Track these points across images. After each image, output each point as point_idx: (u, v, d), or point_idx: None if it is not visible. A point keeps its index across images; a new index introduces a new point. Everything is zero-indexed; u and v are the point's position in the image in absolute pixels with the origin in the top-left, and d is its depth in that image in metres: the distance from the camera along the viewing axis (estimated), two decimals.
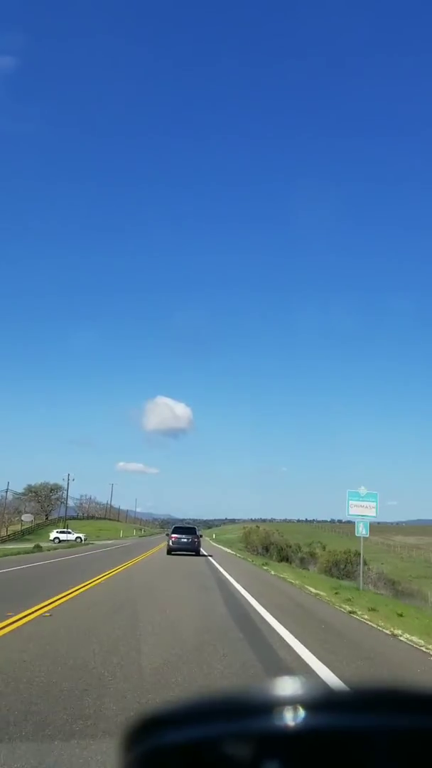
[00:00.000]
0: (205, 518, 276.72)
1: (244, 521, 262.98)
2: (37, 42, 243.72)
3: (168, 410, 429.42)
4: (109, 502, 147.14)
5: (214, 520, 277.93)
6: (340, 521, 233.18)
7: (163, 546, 36.34)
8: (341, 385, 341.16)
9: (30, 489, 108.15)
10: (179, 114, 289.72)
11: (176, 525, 33.41)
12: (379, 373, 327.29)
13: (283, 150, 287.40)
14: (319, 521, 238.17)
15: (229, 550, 47.26)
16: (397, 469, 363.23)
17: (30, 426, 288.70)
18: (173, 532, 30.61)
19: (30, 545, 44.85)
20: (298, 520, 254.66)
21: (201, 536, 32.06)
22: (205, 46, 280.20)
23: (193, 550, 29.48)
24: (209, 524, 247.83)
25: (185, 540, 29.46)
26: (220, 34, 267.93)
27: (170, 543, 29.57)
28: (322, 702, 0.61)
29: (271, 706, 0.60)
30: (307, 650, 7.02)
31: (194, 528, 32.56)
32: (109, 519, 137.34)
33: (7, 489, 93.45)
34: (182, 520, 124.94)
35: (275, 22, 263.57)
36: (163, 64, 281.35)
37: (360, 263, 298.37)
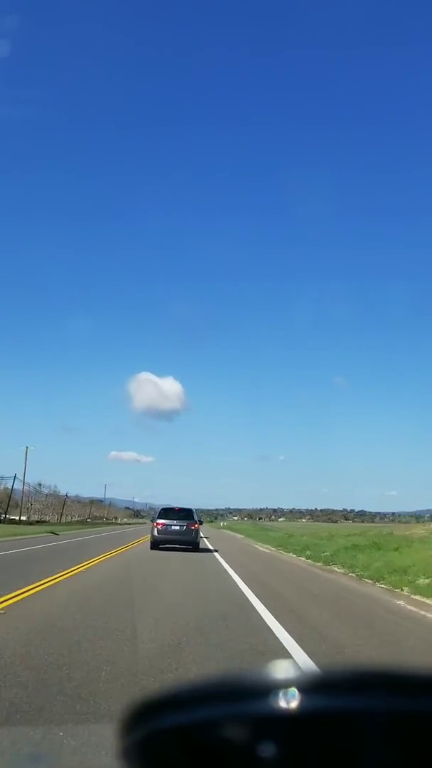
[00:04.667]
0: (207, 508, 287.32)
1: (248, 511, 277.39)
2: (32, 26, 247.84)
3: (165, 400, 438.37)
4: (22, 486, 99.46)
5: (217, 509, 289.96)
6: (353, 511, 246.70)
7: None
8: (339, 374, 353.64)
9: None
10: (176, 103, 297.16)
11: (164, 507, 22.34)
12: (377, 362, 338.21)
13: (279, 139, 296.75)
14: (321, 510, 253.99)
15: None
16: (396, 459, 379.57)
17: (14, 418, 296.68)
18: (160, 517, 21.26)
19: None
20: (300, 510, 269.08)
21: (201, 523, 22.89)
22: (203, 33, 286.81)
23: (190, 543, 20.82)
24: (214, 514, 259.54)
25: (177, 528, 20.72)
26: (219, 22, 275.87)
27: (155, 533, 20.74)
28: (317, 684, 0.62)
29: (267, 689, 0.61)
30: None
31: (191, 511, 22.14)
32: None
33: None
34: None
35: (273, 9, 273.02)
36: (159, 52, 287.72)
37: (357, 253, 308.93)
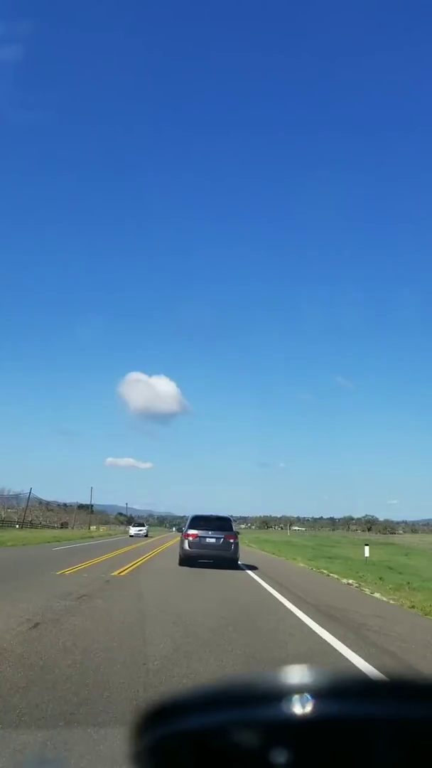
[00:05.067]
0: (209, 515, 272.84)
1: (253, 519, 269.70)
2: (43, 32, 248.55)
3: (166, 404, 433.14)
4: None
5: None
6: (372, 519, 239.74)
7: None
8: (347, 382, 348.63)
9: None
10: (185, 109, 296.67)
11: (196, 515, 18.90)
12: (384, 369, 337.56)
13: (289, 145, 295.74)
14: (326, 519, 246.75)
15: None
16: (398, 467, 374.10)
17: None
18: (191, 527, 18.03)
19: None
20: (307, 518, 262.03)
21: (238, 535, 18.84)
22: (212, 40, 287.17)
23: (228, 559, 17.61)
24: None
25: (213, 540, 17.55)
26: (227, 29, 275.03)
27: (186, 546, 17.67)
28: (329, 690, 0.62)
29: (279, 694, 0.61)
30: None
31: (228, 520, 19.14)
32: None
33: None
34: (181, 518, 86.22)
35: (285, 14, 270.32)
36: (168, 59, 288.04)
37: (366, 258, 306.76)
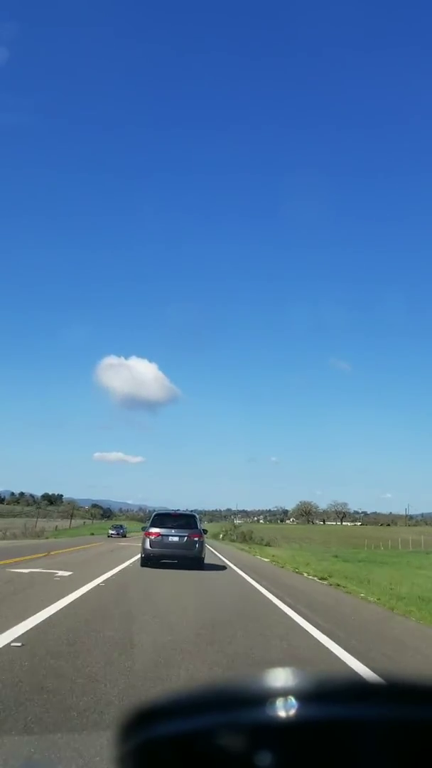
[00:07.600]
0: (205, 509, 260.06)
1: (255, 512, 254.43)
2: (29, 32, 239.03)
3: (159, 401, 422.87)
4: None
5: (218, 510, 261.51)
6: (367, 513, 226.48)
7: None
8: (333, 375, 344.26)
9: None
10: (174, 107, 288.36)
11: (158, 512, 18.23)
12: (371, 363, 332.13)
13: (276, 143, 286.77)
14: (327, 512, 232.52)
15: None
16: (392, 461, 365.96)
17: None
18: (153, 525, 16.77)
19: None
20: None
21: (205, 532, 17.98)
22: (201, 40, 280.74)
23: (192, 558, 16.34)
24: (213, 516, 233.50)
25: (176, 539, 16.28)
26: (216, 29, 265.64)
27: (147, 545, 16.29)
28: (314, 693, 0.61)
29: (263, 697, 0.61)
30: None
31: (193, 517, 17.81)
32: None
33: None
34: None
35: (272, 16, 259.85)
36: (158, 58, 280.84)
37: (352, 255, 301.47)
